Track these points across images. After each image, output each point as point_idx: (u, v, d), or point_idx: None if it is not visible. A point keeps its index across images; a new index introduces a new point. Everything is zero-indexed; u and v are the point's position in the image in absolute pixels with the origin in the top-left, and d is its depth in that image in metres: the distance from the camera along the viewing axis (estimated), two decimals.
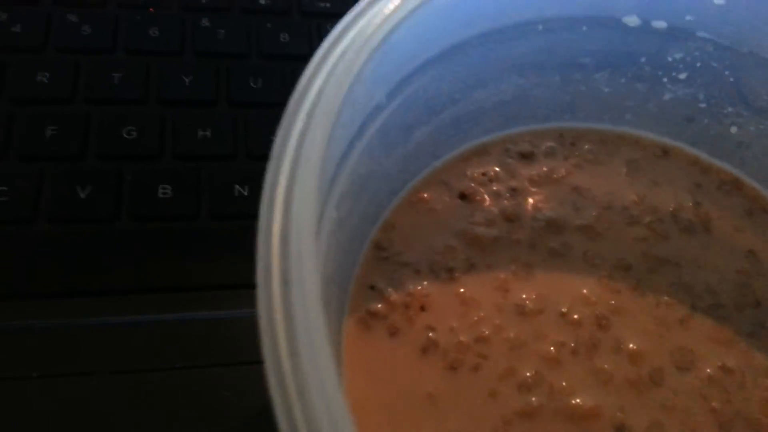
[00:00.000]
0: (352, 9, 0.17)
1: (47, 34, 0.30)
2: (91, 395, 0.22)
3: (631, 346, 0.21)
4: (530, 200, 0.23)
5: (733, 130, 0.24)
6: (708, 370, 0.21)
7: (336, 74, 0.15)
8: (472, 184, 0.23)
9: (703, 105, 0.24)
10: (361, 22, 0.17)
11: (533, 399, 0.19)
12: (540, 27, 0.22)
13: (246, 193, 0.27)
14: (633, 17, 0.22)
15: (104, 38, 0.30)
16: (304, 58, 0.31)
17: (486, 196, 0.23)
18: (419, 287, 0.21)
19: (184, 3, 0.31)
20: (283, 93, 0.29)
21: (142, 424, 0.22)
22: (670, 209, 0.24)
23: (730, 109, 0.24)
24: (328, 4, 0.33)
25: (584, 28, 0.22)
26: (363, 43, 0.16)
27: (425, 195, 0.23)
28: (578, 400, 0.20)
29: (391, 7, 0.17)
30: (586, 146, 0.25)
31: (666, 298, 0.22)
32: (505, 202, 0.23)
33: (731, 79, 0.23)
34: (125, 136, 0.27)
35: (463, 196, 0.23)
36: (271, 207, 0.13)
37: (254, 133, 0.28)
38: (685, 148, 0.25)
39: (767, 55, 0.22)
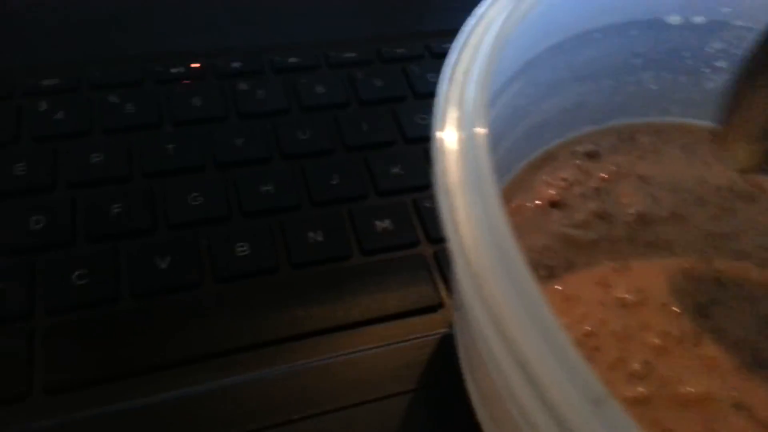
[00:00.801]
0: (457, 38, 0.18)
1: (91, 117, 0.30)
2: None
3: (730, 331, 0.21)
4: (614, 197, 0.24)
5: None
6: None
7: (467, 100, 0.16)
8: (557, 190, 0.24)
9: None
10: (468, 51, 0.18)
11: (643, 388, 0.20)
12: (597, 35, 0.23)
13: (320, 239, 0.27)
14: (675, 16, 0.24)
15: (149, 114, 0.30)
16: (343, 105, 0.32)
17: (574, 200, 0.24)
18: None
19: (217, 71, 0.32)
20: (332, 139, 0.30)
21: None
22: (726, 185, 0.25)
23: None
24: (353, 54, 0.34)
25: (633, 31, 0.24)
26: (483, 64, 0.17)
27: (514, 204, 0.23)
28: (689, 388, 0.20)
29: (492, 33, 0.18)
30: (644, 138, 0.26)
31: (749, 271, 0.23)
32: (593, 203, 0.24)
33: None
34: (191, 203, 0.27)
35: (552, 203, 0.23)
36: None
37: (313, 182, 0.29)
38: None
39: None
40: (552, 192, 0.24)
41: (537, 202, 0.24)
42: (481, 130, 0.15)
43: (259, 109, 0.31)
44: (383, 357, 0.25)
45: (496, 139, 0.22)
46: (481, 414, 0.20)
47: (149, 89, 0.31)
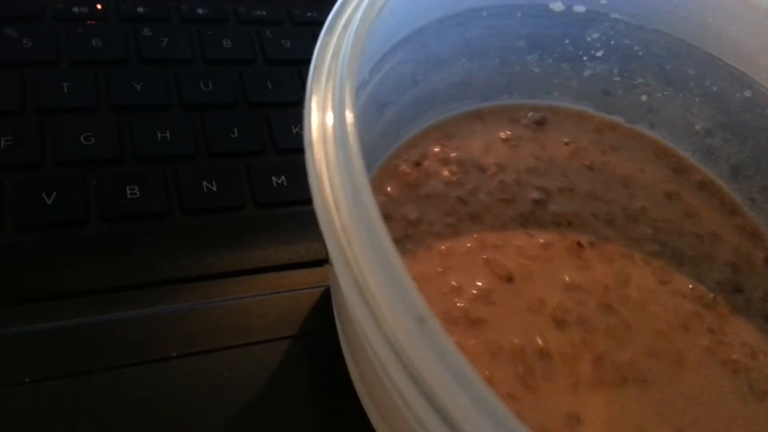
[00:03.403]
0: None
1: None
2: (89, 393, 0.22)
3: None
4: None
5: (644, 98, 0.28)
6: None
7: (347, 44, 0.17)
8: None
9: (617, 78, 0.28)
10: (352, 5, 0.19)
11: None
12: (484, 13, 0.25)
13: (215, 189, 0.28)
14: (558, 3, 0.26)
15: (46, 50, 0.30)
16: (249, 61, 0.33)
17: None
18: None
19: (121, 14, 0.32)
20: (235, 93, 0.31)
21: (142, 415, 0.22)
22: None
23: (640, 80, 0.28)
24: (263, 13, 0.34)
25: (519, 14, 0.26)
26: (363, 20, 0.18)
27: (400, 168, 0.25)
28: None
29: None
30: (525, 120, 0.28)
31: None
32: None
33: (640, 54, 0.27)
34: (83, 142, 0.27)
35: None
36: None
37: (212, 134, 0.29)
38: (605, 117, 0.29)
39: (668, 30, 0.26)
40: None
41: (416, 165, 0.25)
42: (348, 91, 0.16)
43: (162, 56, 0.31)
44: (267, 304, 0.26)
45: (382, 102, 0.23)
46: (346, 353, 0.21)
47: (48, 25, 0.31)
